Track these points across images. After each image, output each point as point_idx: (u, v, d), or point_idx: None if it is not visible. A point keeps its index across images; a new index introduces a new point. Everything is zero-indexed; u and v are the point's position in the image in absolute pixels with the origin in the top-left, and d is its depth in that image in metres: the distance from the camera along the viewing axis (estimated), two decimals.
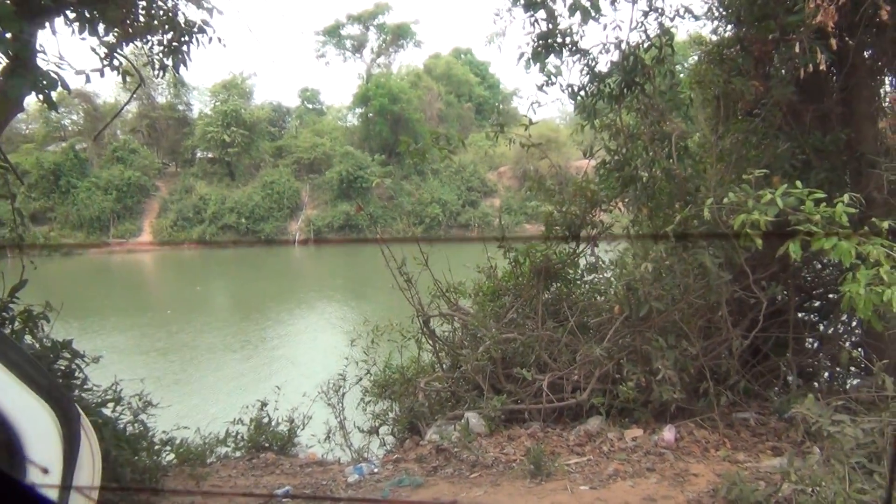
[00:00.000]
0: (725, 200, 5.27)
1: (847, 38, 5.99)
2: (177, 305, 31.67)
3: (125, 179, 54.28)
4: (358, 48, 69.82)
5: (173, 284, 42.49)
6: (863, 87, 7.00)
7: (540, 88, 7.60)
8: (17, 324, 5.19)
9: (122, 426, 5.85)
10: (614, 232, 8.18)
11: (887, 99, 7.25)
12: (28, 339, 5.19)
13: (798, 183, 4.80)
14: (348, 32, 69.22)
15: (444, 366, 8.78)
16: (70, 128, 59.34)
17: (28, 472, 1.85)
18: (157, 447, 6.36)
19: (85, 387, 5.41)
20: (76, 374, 5.30)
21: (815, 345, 7.79)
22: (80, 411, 2.26)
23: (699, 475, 5.48)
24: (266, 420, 8.55)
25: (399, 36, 69.47)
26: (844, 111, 7.09)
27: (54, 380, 2.52)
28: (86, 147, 55.58)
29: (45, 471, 1.87)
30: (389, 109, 59.54)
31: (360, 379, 9.25)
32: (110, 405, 5.72)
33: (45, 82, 3.84)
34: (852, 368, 7.57)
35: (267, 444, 8.31)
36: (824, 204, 4.55)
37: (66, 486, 1.98)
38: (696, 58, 9.87)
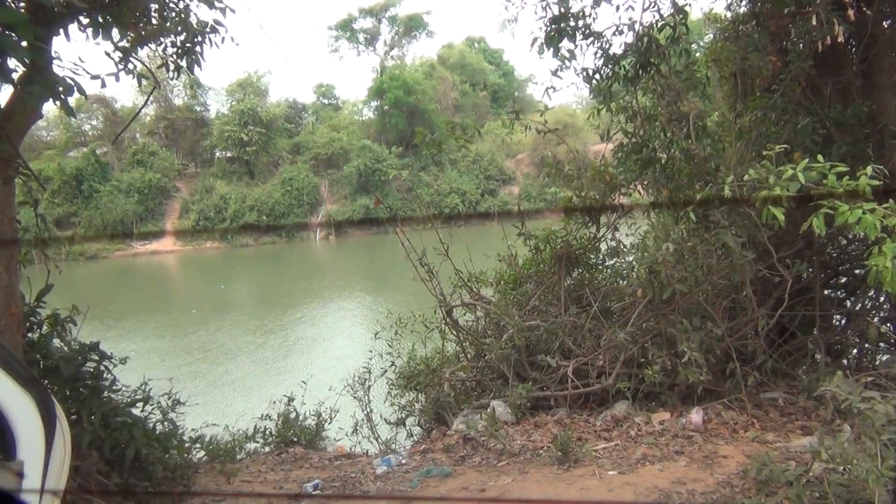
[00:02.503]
0: (746, 177, 5.20)
1: (865, 9, 5.88)
2: (202, 304, 31.94)
3: (146, 182, 54.70)
4: (371, 41, 69.76)
5: (197, 284, 42.84)
6: (883, 58, 6.88)
7: (554, 73, 7.55)
8: (44, 328, 5.26)
9: (151, 425, 5.92)
10: (634, 214, 8.13)
11: None
12: (56, 342, 5.26)
13: (820, 157, 4.73)
14: (361, 26, 69.16)
15: (469, 355, 8.79)
16: (90, 133, 59.91)
17: (18, 451, 2.13)
18: (187, 445, 6.43)
19: (114, 387, 5.47)
20: (104, 375, 5.36)
21: (843, 322, 7.70)
22: (55, 400, 2.65)
23: (728, 457, 5.45)
24: (293, 415, 8.62)
25: (411, 27, 69.27)
26: (865, 83, 6.97)
27: (33, 372, 2.96)
28: (106, 151, 56.07)
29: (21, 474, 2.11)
30: (405, 101, 59.48)
31: (385, 371, 9.30)
32: (139, 405, 5.78)
33: (61, 88, 3.87)
34: (881, 344, 7.48)
35: (295, 439, 8.37)
36: (847, 177, 4.48)
37: (45, 461, 2.29)
38: (711, 36, 9.76)
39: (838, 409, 4.93)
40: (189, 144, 61.36)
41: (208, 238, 54.68)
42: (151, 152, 57.07)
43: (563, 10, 7.27)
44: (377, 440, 8.86)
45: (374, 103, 64.55)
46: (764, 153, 5.27)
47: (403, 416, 9.03)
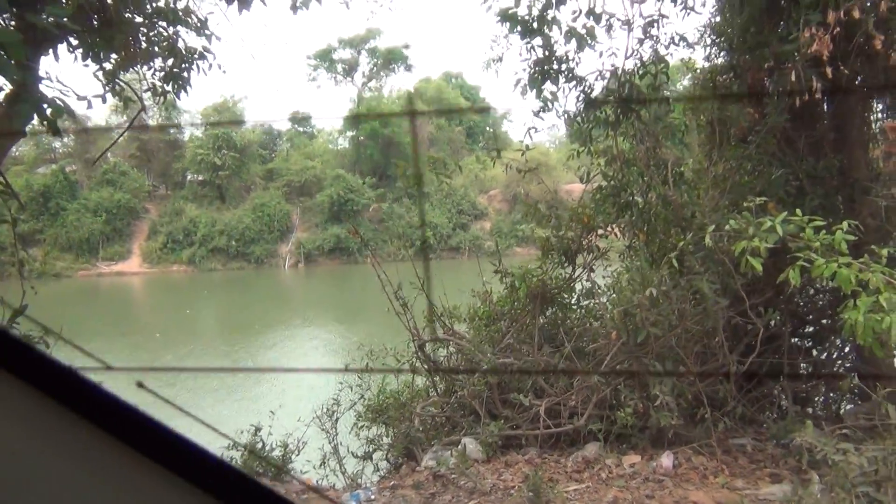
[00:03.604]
0: (727, 227, 5.33)
1: (841, 66, 6.08)
2: (166, 328, 31.43)
3: (115, 202, 54.13)
4: (349, 72, 70.17)
5: (163, 307, 42.21)
6: (854, 115, 7.10)
7: (536, 114, 7.68)
8: None
9: None
10: (610, 257, 8.23)
11: (878, 126, 7.34)
12: None
13: (798, 211, 4.87)
14: (340, 56, 69.60)
15: (439, 390, 8.74)
16: (60, 150, 59.19)
17: None
18: None
19: None
20: None
21: (809, 370, 7.82)
22: None
23: (699, 503, 5.47)
24: (260, 445, 8.47)
25: (390, 60, 69.88)
26: (837, 138, 7.17)
27: None
28: (76, 169, 55.43)
29: None
30: (380, 133, 59.73)
31: (355, 404, 9.20)
32: None
33: (50, 110, 3.85)
34: (844, 395, 7.60)
35: (261, 471, 8.22)
36: (823, 231, 4.61)
37: None
38: (685, 83, 10.00)
39: (810, 459, 5.00)
40: (161, 166, 60.90)
41: (176, 260, 54.13)
42: (122, 172, 56.56)
43: (547, 53, 7.41)
44: (343, 474, 8.73)
45: (349, 133, 64.77)
46: (745, 203, 5.41)
47: (371, 450, 8.92)
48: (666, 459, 6.24)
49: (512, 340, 8.26)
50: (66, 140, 58.83)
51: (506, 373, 7.58)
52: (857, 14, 5.36)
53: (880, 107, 7.47)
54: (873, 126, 7.48)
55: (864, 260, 4.37)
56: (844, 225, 4.56)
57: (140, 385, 1.06)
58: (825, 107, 7.32)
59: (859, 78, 7.07)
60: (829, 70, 5.51)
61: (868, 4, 5.48)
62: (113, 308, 40.46)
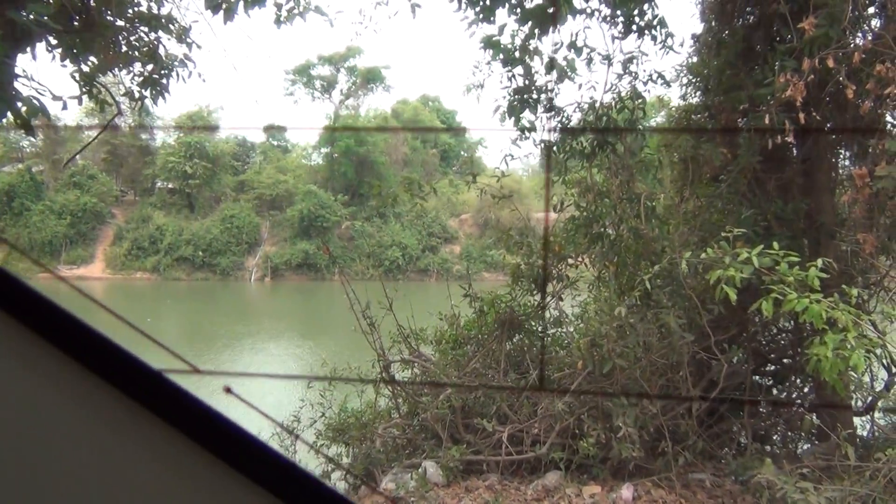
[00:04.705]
0: (703, 255, 5.42)
1: (813, 112, 6.23)
2: (126, 336, 30.76)
3: (81, 205, 53.32)
4: (327, 89, 70.09)
5: (124, 315, 41.33)
6: (822, 160, 7.26)
7: (514, 142, 7.75)
8: None
9: None
10: (579, 287, 8.28)
11: (846, 172, 7.52)
12: None
13: (775, 244, 4.99)
14: (318, 73, 69.55)
15: (402, 412, 8.69)
16: (27, 149, 58.24)
17: None
18: None
19: None
20: None
21: (769, 408, 7.91)
22: None
23: None
24: None
25: (369, 79, 69.97)
26: (806, 181, 7.32)
27: None
28: (42, 170, 54.56)
29: None
30: (355, 151, 59.73)
31: (315, 421, 9.09)
32: None
33: (25, 108, 3.78)
34: (802, 434, 7.71)
35: None
36: (797, 267, 4.72)
37: None
38: (660, 119, 10.16)
39: (770, 498, 5.04)
40: (130, 172, 60.23)
41: (139, 268, 53.38)
42: (90, 175, 55.80)
43: (527, 82, 7.49)
44: None
45: (324, 150, 64.64)
46: (722, 234, 5.53)
47: (330, 469, 8.81)
48: (626, 491, 6.25)
49: (478, 365, 8.25)
50: (33, 139, 58.03)
51: (472, 388, 7.56)
52: (831, 63, 5.51)
53: (848, 154, 7.65)
54: (841, 172, 7.66)
55: (835, 299, 4.48)
56: (819, 262, 4.69)
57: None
58: (795, 151, 7.48)
59: (830, 124, 7.26)
60: (801, 115, 5.64)
61: (841, 55, 5.63)
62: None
